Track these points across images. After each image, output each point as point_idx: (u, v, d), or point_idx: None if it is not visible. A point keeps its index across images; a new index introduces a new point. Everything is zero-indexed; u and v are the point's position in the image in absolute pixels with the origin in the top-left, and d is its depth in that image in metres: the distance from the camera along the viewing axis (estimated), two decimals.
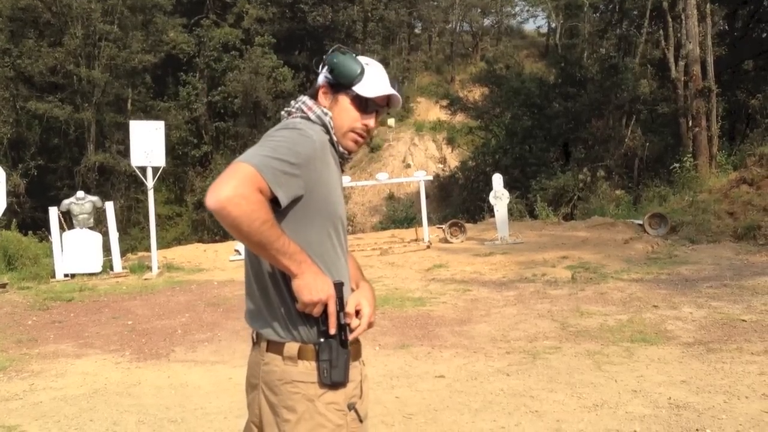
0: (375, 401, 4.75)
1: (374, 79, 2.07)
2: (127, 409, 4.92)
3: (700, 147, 18.60)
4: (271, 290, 1.94)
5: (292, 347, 1.91)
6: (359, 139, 2.09)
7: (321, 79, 2.09)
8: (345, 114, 2.05)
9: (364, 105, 2.06)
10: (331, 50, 2.10)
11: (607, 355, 5.78)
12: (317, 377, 1.90)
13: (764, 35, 25.41)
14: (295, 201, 1.87)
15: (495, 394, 4.93)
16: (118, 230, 12.83)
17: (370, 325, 2.01)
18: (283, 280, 1.90)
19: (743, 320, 6.60)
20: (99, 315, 8.44)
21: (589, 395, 4.79)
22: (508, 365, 5.64)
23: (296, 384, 1.90)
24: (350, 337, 1.93)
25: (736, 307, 7.15)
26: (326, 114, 2.02)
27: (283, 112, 2.11)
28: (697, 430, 4.07)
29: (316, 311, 1.87)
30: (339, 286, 1.91)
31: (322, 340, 1.90)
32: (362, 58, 2.09)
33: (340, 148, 2.04)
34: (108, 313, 8.55)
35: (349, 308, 1.94)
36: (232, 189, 1.72)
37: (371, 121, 2.09)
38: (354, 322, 1.95)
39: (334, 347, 1.90)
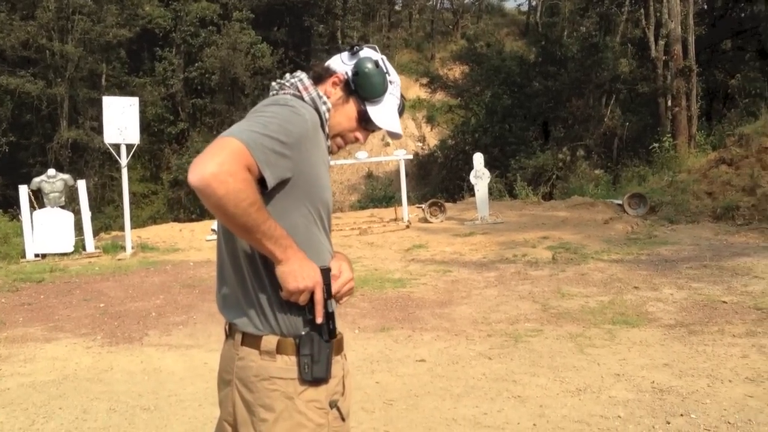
0: (355, 387, 4.61)
1: (390, 109, 1.97)
2: (98, 396, 4.78)
3: (679, 127, 18.64)
4: (248, 276, 1.78)
5: (270, 341, 1.77)
6: (343, 145, 1.98)
7: (340, 68, 1.95)
8: (345, 118, 1.93)
9: (366, 121, 1.95)
10: (366, 47, 1.97)
11: (589, 337, 5.72)
12: (297, 373, 1.76)
13: (743, 15, 25.42)
14: (282, 183, 1.72)
15: (477, 378, 4.86)
16: (92, 209, 12.57)
17: (350, 291, 1.89)
18: (263, 265, 1.75)
19: (724, 302, 6.58)
20: (70, 297, 8.23)
21: (572, 379, 4.73)
22: (490, 348, 5.57)
23: (274, 380, 1.76)
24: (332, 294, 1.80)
25: (717, 288, 7.14)
26: (324, 102, 1.88)
27: (274, 83, 1.94)
28: (681, 414, 4.02)
29: (302, 299, 1.73)
30: (326, 272, 1.78)
31: (303, 332, 1.77)
32: (389, 72, 1.96)
33: (328, 143, 1.91)
34: (79, 294, 8.34)
35: (333, 270, 1.82)
36: (218, 165, 1.57)
37: (363, 138, 2.00)
38: (336, 286, 1.82)
39: (315, 341, 1.76)
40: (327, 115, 1.87)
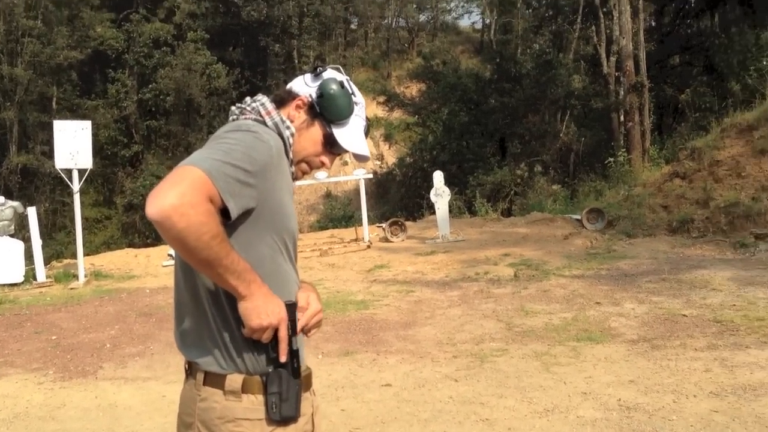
0: (321, 418, 4.53)
1: (356, 131, 1.90)
2: None
3: (633, 141, 18.99)
4: (210, 312, 1.68)
5: (235, 380, 1.67)
6: (308, 170, 1.90)
7: (303, 90, 1.87)
8: (311, 142, 1.86)
9: (332, 145, 1.88)
10: (329, 68, 1.90)
11: (555, 355, 5.70)
12: (265, 413, 1.66)
13: (689, 31, 26.14)
14: (246, 213, 1.63)
15: (444, 402, 4.78)
16: (43, 235, 12.21)
17: (318, 324, 1.80)
18: (227, 300, 1.65)
19: (684, 315, 6.63)
20: (20, 330, 7.93)
21: (540, 400, 4.68)
22: (456, 370, 5.50)
23: (240, 422, 1.66)
24: (298, 330, 1.71)
25: (676, 301, 7.20)
26: (287, 127, 1.79)
27: (234, 108, 1.85)
28: None
29: (266, 337, 1.64)
30: (291, 307, 1.69)
31: (270, 369, 1.67)
32: (354, 93, 1.89)
33: (292, 169, 1.82)
34: (30, 327, 8.04)
35: (301, 302, 1.73)
36: (178, 196, 1.47)
37: (329, 162, 1.92)
38: (304, 319, 1.74)
39: (284, 378, 1.67)
40: (291, 140, 1.79)
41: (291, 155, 1.80)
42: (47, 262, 12.79)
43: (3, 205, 11.75)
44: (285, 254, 1.75)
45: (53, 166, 11.96)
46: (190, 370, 1.77)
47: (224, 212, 1.56)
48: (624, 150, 18.48)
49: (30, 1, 29.10)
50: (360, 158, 1.96)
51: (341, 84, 1.85)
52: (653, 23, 26.80)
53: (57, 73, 31.29)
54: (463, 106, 25.43)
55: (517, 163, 22.33)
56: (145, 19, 34.31)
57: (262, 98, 1.84)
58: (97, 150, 27.23)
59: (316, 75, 1.88)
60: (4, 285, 10.99)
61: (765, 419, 4.06)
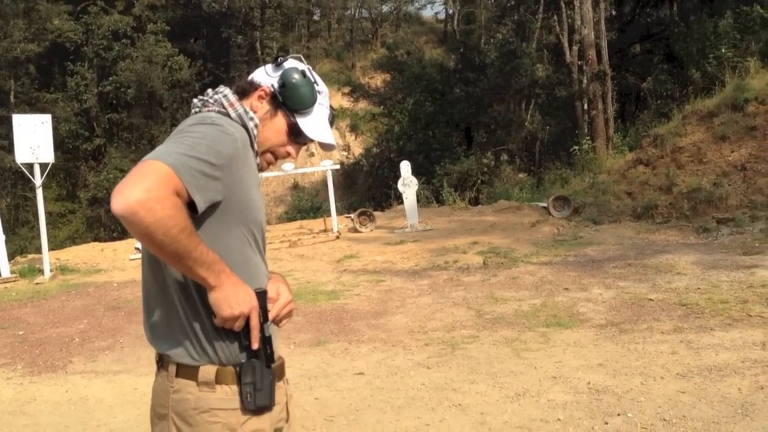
0: (295, 406, 4.54)
1: (320, 119, 1.90)
2: (22, 430, 4.52)
3: (597, 129, 19.24)
4: (180, 304, 1.68)
5: (208, 371, 1.68)
6: (273, 161, 1.91)
7: (265, 80, 1.87)
8: (275, 132, 1.86)
9: (297, 134, 1.88)
10: (290, 58, 1.89)
11: (525, 341, 5.78)
12: (239, 403, 1.68)
13: (649, 20, 26.52)
14: (213, 206, 1.63)
15: (417, 389, 4.82)
16: (5, 231, 11.95)
17: (290, 314, 1.83)
18: (196, 291, 1.66)
19: (650, 299, 6.76)
20: None
21: (511, 384, 4.75)
22: (428, 358, 5.55)
23: (215, 412, 1.67)
24: (271, 319, 1.74)
25: (642, 286, 7.34)
26: (251, 118, 1.79)
27: (196, 100, 1.84)
28: (618, 414, 4.09)
29: (237, 326, 1.65)
30: (262, 295, 1.70)
31: (243, 359, 1.68)
32: (317, 82, 1.89)
33: (257, 160, 1.83)
34: None
35: (271, 293, 1.75)
36: (144, 191, 1.46)
37: (295, 152, 1.93)
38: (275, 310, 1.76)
39: (257, 368, 1.69)
40: (255, 131, 1.79)
41: (256, 146, 1.81)
42: (11, 257, 12.53)
43: None
44: (254, 246, 1.76)
45: (13, 161, 11.73)
46: (162, 362, 1.77)
47: (191, 206, 1.57)
48: (588, 138, 18.71)
49: None
50: (326, 147, 1.97)
51: (303, 73, 1.86)
52: (614, 12, 27.11)
53: (14, 67, 30.63)
54: (428, 96, 25.49)
55: (483, 152, 22.48)
56: (104, 10, 33.70)
57: (224, 90, 1.84)
58: (58, 144, 26.68)
59: (278, 65, 1.88)
60: None
61: (730, 398, 4.17)
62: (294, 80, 1.84)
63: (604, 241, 10.36)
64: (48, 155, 11.16)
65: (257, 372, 1.69)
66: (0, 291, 10.15)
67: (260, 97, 1.85)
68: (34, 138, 10.99)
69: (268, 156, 1.89)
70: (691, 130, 12.88)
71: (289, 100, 1.84)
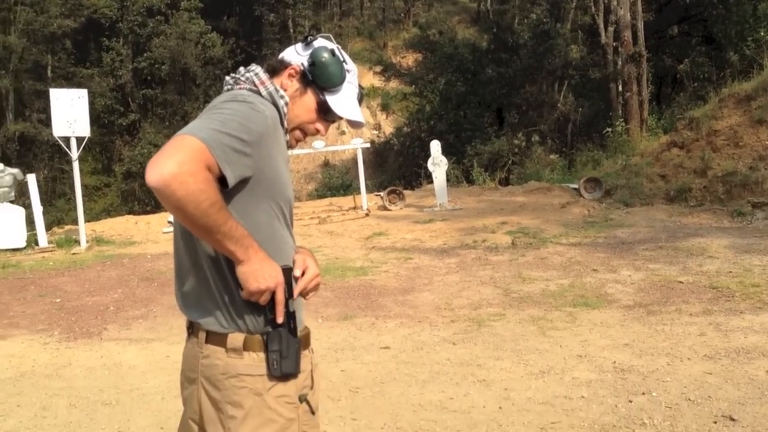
0: (320, 375, 4.62)
1: (349, 97, 1.93)
2: (57, 393, 4.66)
3: (631, 111, 18.96)
4: (210, 275, 1.74)
5: (236, 338, 1.73)
6: (303, 138, 1.94)
7: (295, 59, 1.90)
8: (304, 110, 1.89)
9: (326, 112, 1.91)
10: (319, 37, 1.92)
11: (551, 320, 5.80)
12: (266, 369, 1.73)
13: (688, 1, 25.92)
14: (243, 181, 1.67)
15: (441, 364, 4.87)
16: (43, 202, 12.23)
17: (316, 287, 1.87)
18: (226, 263, 1.71)
19: (680, 282, 6.72)
20: (24, 293, 8.02)
21: (536, 362, 4.78)
22: (454, 334, 5.59)
23: (242, 378, 1.72)
24: (296, 294, 1.78)
25: (673, 268, 7.29)
26: (281, 96, 1.82)
27: (228, 78, 1.87)
28: (643, 393, 4.10)
29: (263, 299, 1.70)
30: (287, 272, 1.75)
31: (269, 329, 1.74)
32: (346, 61, 1.92)
33: (287, 137, 1.87)
34: (34, 290, 8.13)
35: (297, 269, 1.80)
36: (177, 165, 1.51)
37: (324, 129, 1.95)
38: (302, 283, 1.81)
39: (284, 336, 1.74)
40: (285, 109, 1.82)
41: (285, 123, 1.84)
42: (48, 228, 12.84)
43: (2, 171, 11.76)
44: (282, 220, 1.80)
45: (51, 134, 11.96)
46: (192, 329, 1.83)
47: (222, 180, 1.60)
48: (622, 120, 18.46)
49: None
50: (354, 125, 1.99)
51: (332, 52, 1.88)
52: None
53: (51, 42, 31.03)
54: (459, 77, 25.30)
55: (514, 133, 22.32)
56: None
57: (255, 68, 1.86)
58: (94, 118, 27.00)
59: (307, 44, 1.91)
60: (6, 250, 11.06)
61: (757, 381, 4.16)
62: (323, 59, 1.86)
63: (636, 223, 10.28)
64: (84, 129, 11.37)
65: (283, 340, 1.73)
66: (38, 260, 10.42)
67: (290, 76, 1.88)
68: (70, 112, 11.19)
69: (297, 133, 1.92)
70: (727, 113, 12.64)
71: (319, 79, 1.87)
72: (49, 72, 30.90)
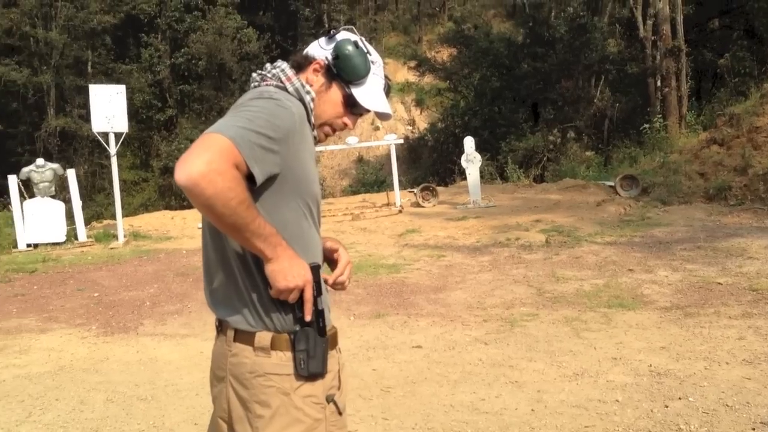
0: (351, 374, 4.64)
1: (375, 89, 1.92)
2: (95, 387, 4.75)
3: (669, 107, 18.63)
4: (238, 273, 1.75)
5: (264, 337, 1.74)
6: (331, 133, 1.93)
7: (319, 54, 1.89)
8: (331, 105, 1.88)
9: (353, 105, 1.90)
10: (342, 30, 1.91)
11: (585, 321, 5.73)
12: (293, 369, 1.73)
13: None
14: (271, 178, 1.67)
15: (474, 364, 4.85)
16: (83, 197, 12.48)
17: (350, 273, 1.91)
18: (253, 261, 1.71)
19: (719, 283, 6.59)
20: (63, 287, 8.19)
21: (569, 364, 4.73)
22: (486, 334, 5.56)
23: (270, 377, 1.73)
24: (331, 282, 1.83)
25: (711, 269, 7.15)
26: (308, 92, 1.82)
27: (255, 75, 1.88)
28: (679, 398, 4.03)
29: (292, 298, 1.70)
30: (316, 270, 1.75)
31: (297, 328, 1.74)
32: (370, 52, 1.90)
33: (315, 133, 1.87)
34: (73, 284, 8.30)
35: (332, 245, 1.85)
36: (206, 163, 1.51)
37: (351, 123, 1.95)
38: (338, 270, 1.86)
39: (311, 336, 1.74)
40: (312, 104, 1.82)
41: (312, 119, 1.84)
42: (87, 222, 13.09)
43: (43, 167, 12.00)
44: (309, 218, 1.79)
45: (90, 130, 12.17)
46: (221, 327, 1.84)
47: (250, 178, 1.61)
48: (660, 116, 18.15)
49: None
50: (382, 116, 1.98)
51: (355, 44, 1.87)
52: None
53: (91, 37, 31.56)
54: (494, 71, 25.13)
55: (549, 129, 22.09)
56: None
57: (281, 64, 1.87)
58: (133, 114, 27.44)
59: (330, 37, 1.90)
60: (46, 244, 11.30)
61: None
62: (347, 51, 1.85)
63: (673, 222, 10.10)
64: (122, 125, 11.55)
65: (311, 340, 1.74)
66: (77, 254, 10.62)
67: (315, 71, 1.88)
68: (109, 108, 11.38)
69: (326, 128, 1.92)
70: None
71: (344, 72, 1.86)
72: (89, 68, 31.44)
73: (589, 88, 24.41)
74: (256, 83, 1.85)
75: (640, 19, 20.67)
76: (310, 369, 1.73)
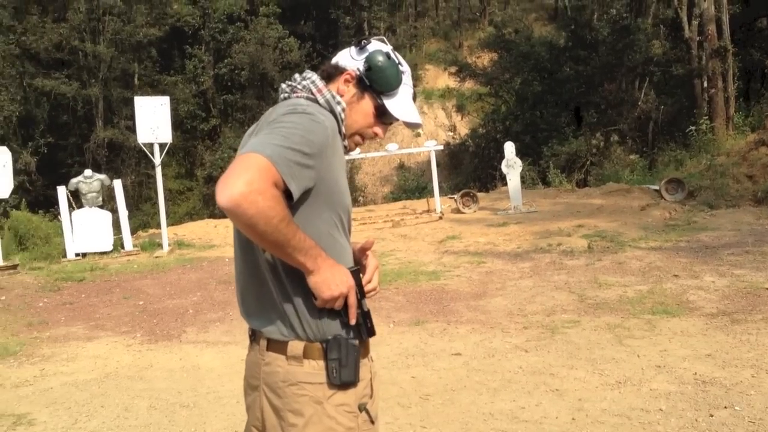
0: (390, 382, 4.65)
1: (406, 99, 1.93)
2: (139, 394, 4.85)
3: (716, 108, 18.22)
4: (270, 283, 1.77)
5: (296, 346, 1.76)
6: (362, 142, 1.95)
7: (350, 64, 1.89)
8: (362, 115, 1.90)
9: (383, 114, 1.91)
10: (373, 40, 1.92)
11: (628, 328, 5.64)
12: (326, 377, 1.75)
13: None
14: (305, 192, 1.70)
15: (513, 372, 4.81)
16: (130, 206, 12.77)
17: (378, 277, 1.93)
18: (284, 271, 1.73)
19: (767, 289, 6.42)
20: (110, 295, 8.38)
21: (612, 372, 4.65)
22: (526, 341, 5.51)
23: (302, 385, 1.75)
24: (369, 292, 1.84)
25: (760, 274, 6.97)
26: (338, 103, 1.84)
27: (284, 86, 1.90)
28: (725, 407, 3.94)
29: (338, 305, 1.73)
30: (356, 273, 1.78)
31: (330, 337, 1.75)
32: (401, 63, 1.91)
33: (345, 143, 1.88)
34: (119, 293, 8.48)
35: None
36: (246, 184, 1.54)
37: (382, 132, 1.96)
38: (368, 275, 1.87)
39: (343, 344, 1.75)
40: (343, 115, 1.84)
41: (343, 129, 1.85)
42: (134, 231, 13.39)
43: (90, 178, 12.31)
44: (340, 229, 1.81)
45: (137, 141, 12.47)
46: (254, 336, 1.87)
47: (287, 194, 1.63)
48: (706, 117, 17.75)
49: None
50: (412, 126, 1.99)
51: (387, 55, 1.87)
52: None
53: (137, 50, 32.23)
54: (536, 76, 24.92)
55: (593, 133, 21.81)
56: None
57: (311, 75, 1.88)
58: (178, 124, 28.03)
59: (362, 48, 1.90)
60: (94, 253, 11.58)
61: None
62: (380, 63, 1.86)
63: (720, 226, 9.87)
64: (166, 135, 11.79)
65: (343, 348, 1.75)
66: (123, 263, 10.86)
67: (346, 81, 1.89)
68: (153, 119, 11.63)
69: (357, 138, 1.93)
70: None
71: (376, 83, 1.87)
72: (135, 80, 32.11)
73: (633, 91, 24.02)
74: (286, 94, 1.87)
75: (685, 19, 20.28)
76: (343, 378, 1.74)
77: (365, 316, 1.77)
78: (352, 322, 1.75)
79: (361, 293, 1.77)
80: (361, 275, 1.80)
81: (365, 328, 1.78)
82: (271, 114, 1.78)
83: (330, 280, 1.69)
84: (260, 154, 1.59)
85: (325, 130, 1.72)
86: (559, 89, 23.97)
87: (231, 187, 1.54)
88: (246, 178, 1.54)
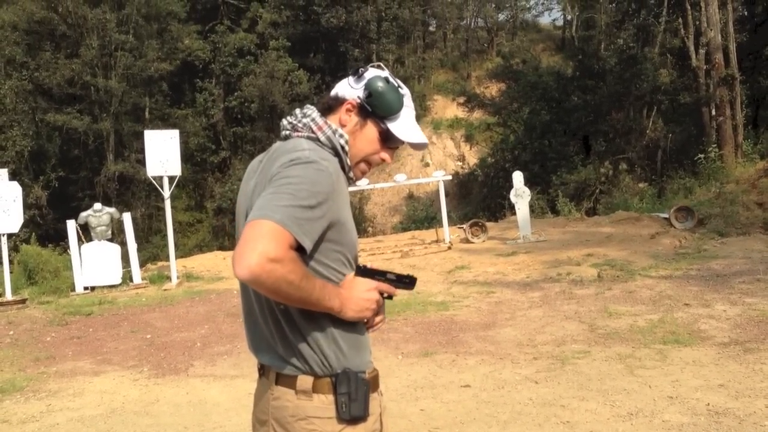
0: (399, 415, 4.60)
1: (409, 121, 1.93)
2: (145, 430, 4.82)
3: (724, 136, 18.21)
4: (279, 318, 1.77)
5: (305, 380, 1.75)
6: (368, 170, 1.95)
7: (349, 93, 1.89)
8: (367, 142, 1.89)
9: (388, 139, 1.91)
10: (371, 68, 1.93)
11: (639, 358, 5.56)
12: (335, 412, 1.73)
13: None
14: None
15: (524, 404, 4.75)
16: (140, 239, 12.80)
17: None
18: (293, 306, 1.72)
19: None
20: (118, 329, 8.36)
21: (623, 403, 4.59)
22: (536, 372, 5.45)
23: (311, 420, 1.73)
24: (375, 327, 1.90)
25: None
26: (341, 136, 1.83)
27: (285, 122, 1.89)
28: None
29: (378, 305, 1.82)
30: (367, 271, 1.82)
31: (339, 371, 1.75)
32: (400, 86, 1.92)
33: (350, 174, 1.88)
34: (127, 326, 8.46)
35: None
36: (261, 255, 1.54)
37: (390, 157, 1.96)
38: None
39: (352, 379, 1.75)
40: (346, 147, 1.83)
41: (348, 161, 1.85)
42: (143, 264, 13.40)
43: (100, 211, 12.37)
44: (348, 266, 1.82)
45: (147, 174, 12.54)
46: (263, 370, 1.86)
47: (300, 248, 1.63)
48: (715, 145, 17.73)
49: (122, 16, 30.39)
50: (417, 147, 1.98)
51: (386, 80, 1.88)
52: (745, 13, 25.55)
53: (149, 85, 32.63)
54: (544, 105, 25.05)
55: (601, 161, 21.82)
56: (230, 29, 35.38)
57: (311, 112, 1.87)
58: (188, 157, 28.25)
59: (359, 76, 1.90)
60: (103, 287, 11.59)
61: None
62: (380, 88, 1.86)
63: (731, 254, 9.78)
64: (175, 168, 11.85)
65: (353, 383, 1.74)
66: (132, 296, 10.85)
67: (348, 111, 1.88)
68: (163, 152, 11.71)
69: (363, 165, 1.92)
70: None
71: (378, 108, 1.87)
72: (146, 114, 32.45)
73: (641, 119, 24.07)
74: (287, 131, 1.87)
75: (692, 48, 20.37)
76: (352, 412, 1.73)
77: (398, 279, 1.84)
78: (378, 319, 1.85)
79: (382, 275, 1.82)
80: (365, 265, 1.83)
81: (405, 282, 1.86)
82: (272, 164, 1.76)
83: (358, 305, 1.75)
84: (270, 221, 1.58)
85: (329, 176, 1.71)
86: (567, 118, 24.06)
87: (248, 259, 1.54)
88: (260, 249, 1.54)
